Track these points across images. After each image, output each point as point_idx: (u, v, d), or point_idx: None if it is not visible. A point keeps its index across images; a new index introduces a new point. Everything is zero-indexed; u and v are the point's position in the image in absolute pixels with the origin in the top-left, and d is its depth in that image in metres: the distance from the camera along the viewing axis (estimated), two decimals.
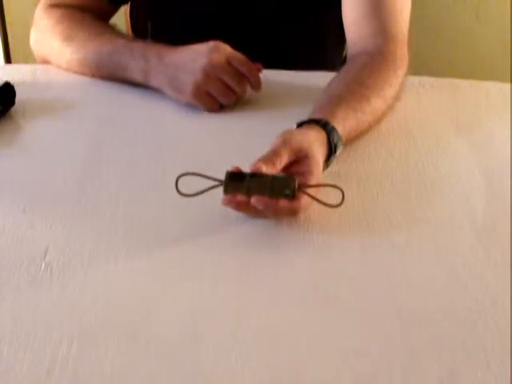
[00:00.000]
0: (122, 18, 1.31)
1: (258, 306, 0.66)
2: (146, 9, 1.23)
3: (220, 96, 0.97)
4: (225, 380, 0.58)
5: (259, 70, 0.99)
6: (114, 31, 1.09)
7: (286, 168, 0.77)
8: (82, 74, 1.08)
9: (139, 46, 1.01)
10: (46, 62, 1.12)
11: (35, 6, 1.16)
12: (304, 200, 0.74)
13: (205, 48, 0.96)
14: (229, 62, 0.95)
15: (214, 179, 0.74)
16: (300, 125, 0.86)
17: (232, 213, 0.75)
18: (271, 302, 0.66)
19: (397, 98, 0.98)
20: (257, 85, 0.99)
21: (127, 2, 1.25)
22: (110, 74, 1.04)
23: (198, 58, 0.95)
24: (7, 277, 0.68)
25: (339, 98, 0.91)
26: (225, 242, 0.74)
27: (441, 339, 0.62)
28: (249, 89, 1.00)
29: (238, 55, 0.96)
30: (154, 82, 1.00)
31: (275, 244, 0.74)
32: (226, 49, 0.96)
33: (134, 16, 1.30)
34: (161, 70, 0.98)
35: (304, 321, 0.64)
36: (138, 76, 1.01)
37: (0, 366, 0.58)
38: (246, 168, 0.74)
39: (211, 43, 0.96)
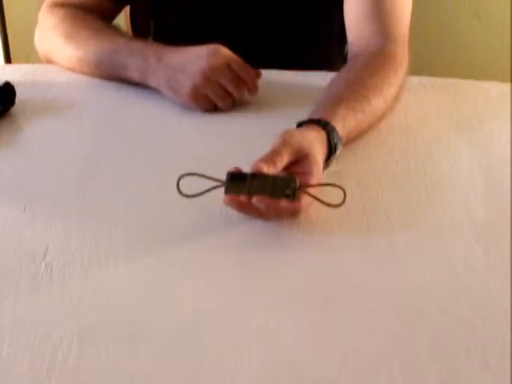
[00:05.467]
0: (122, 18, 1.31)
1: (258, 306, 0.66)
2: (147, 8, 1.23)
3: (217, 99, 0.97)
4: (225, 380, 0.58)
5: (258, 76, 0.99)
6: (115, 30, 1.09)
7: (287, 168, 0.77)
8: (83, 72, 1.08)
9: (138, 46, 1.01)
10: (48, 59, 1.13)
11: (35, 5, 1.16)
12: (305, 200, 0.74)
13: (204, 51, 0.96)
14: (228, 66, 0.95)
15: (215, 180, 0.74)
16: (300, 125, 0.86)
17: (233, 213, 0.75)
18: (271, 302, 0.66)
19: (397, 97, 0.98)
20: (254, 89, 0.99)
21: (130, 3, 1.25)
22: (110, 73, 1.04)
23: (197, 60, 0.95)
24: (7, 277, 0.68)
25: (339, 98, 0.91)
26: (225, 242, 0.74)
27: (441, 339, 0.62)
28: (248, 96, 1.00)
29: (237, 59, 0.96)
30: (152, 82, 1.00)
31: (275, 244, 0.74)
32: (225, 52, 0.96)
33: (134, 16, 1.30)
34: (159, 70, 0.98)
35: (304, 321, 0.64)
36: (136, 75, 1.01)
37: (0, 366, 0.58)
38: (246, 168, 0.74)
39: (211, 46, 0.96)
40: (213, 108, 0.98)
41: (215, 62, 0.94)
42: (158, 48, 1.00)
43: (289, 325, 0.64)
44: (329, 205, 0.75)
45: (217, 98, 0.97)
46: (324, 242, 0.74)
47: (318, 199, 0.75)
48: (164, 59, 0.98)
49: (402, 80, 0.99)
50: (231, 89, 0.96)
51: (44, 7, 1.14)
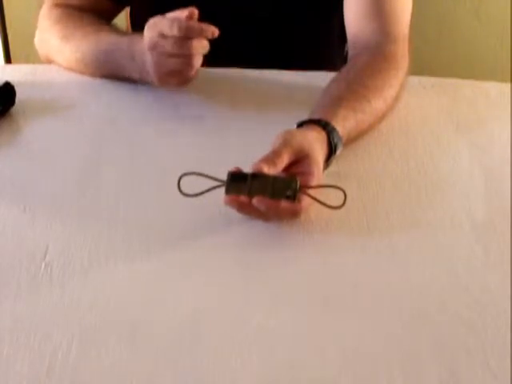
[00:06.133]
0: (122, 18, 1.31)
1: (258, 306, 0.66)
2: (147, 8, 1.23)
3: (181, 67, 0.92)
4: (225, 380, 0.58)
5: (193, 15, 0.90)
6: (110, 29, 1.08)
7: (287, 168, 0.77)
8: (82, 73, 1.08)
9: (128, 44, 0.99)
10: (49, 60, 1.13)
11: (35, 5, 1.16)
12: (305, 201, 0.74)
13: (144, 31, 0.92)
14: (161, 33, 0.90)
15: (216, 179, 0.74)
16: (300, 125, 0.86)
17: (233, 213, 0.75)
18: (271, 302, 0.67)
19: (397, 98, 0.98)
20: (207, 31, 0.89)
21: (129, 3, 1.25)
22: (110, 73, 1.04)
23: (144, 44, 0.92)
24: (7, 277, 0.68)
25: (339, 99, 0.91)
26: (225, 242, 0.74)
27: (441, 339, 0.62)
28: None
29: (165, 21, 0.90)
30: (148, 79, 0.99)
31: (275, 244, 0.74)
32: (157, 22, 0.91)
33: (134, 16, 1.30)
34: (138, 65, 0.97)
35: (304, 321, 0.64)
36: (135, 75, 1.00)
37: (0, 366, 0.58)
38: (247, 168, 0.75)
39: (148, 23, 0.92)
40: (184, 79, 0.94)
41: (150, 39, 0.91)
42: (138, 43, 0.97)
43: (289, 325, 0.64)
44: (329, 206, 0.75)
45: (178, 66, 0.92)
46: (324, 242, 0.74)
47: (319, 201, 0.75)
48: (139, 54, 0.96)
49: (402, 81, 0.99)
50: (181, 50, 0.90)
51: (43, 8, 1.14)
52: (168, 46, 0.90)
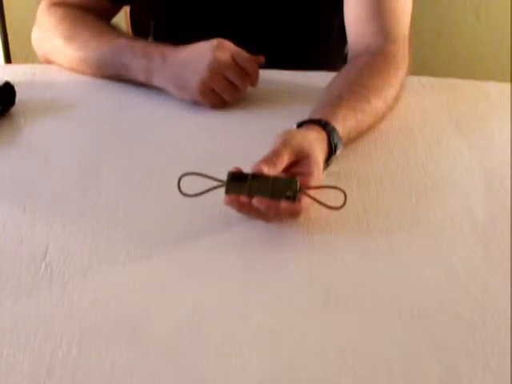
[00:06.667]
0: (122, 18, 1.31)
1: (258, 306, 0.66)
2: (147, 8, 1.23)
3: (224, 93, 0.97)
4: (225, 380, 0.58)
5: (261, 63, 0.99)
6: (115, 30, 1.09)
7: (287, 168, 0.77)
8: (83, 73, 1.08)
9: (141, 46, 1.02)
10: (47, 60, 1.12)
11: (35, 5, 1.16)
12: (305, 201, 0.74)
13: (209, 45, 0.96)
14: (233, 59, 0.96)
15: (216, 179, 0.74)
16: (300, 125, 0.86)
17: (232, 213, 0.75)
18: (271, 302, 0.66)
19: (397, 98, 0.98)
20: (256, 81, 1.00)
21: (129, 3, 1.25)
22: (112, 74, 1.04)
23: (202, 55, 0.95)
24: (7, 277, 0.68)
25: (339, 99, 0.91)
26: (225, 242, 0.74)
27: (441, 339, 0.62)
28: (249, 87, 1.00)
29: (242, 52, 0.97)
30: (156, 82, 1.00)
31: (275, 244, 0.74)
32: (229, 46, 0.96)
33: (134, 16, 1.30)
34: (164, 69, 0.98)
35: (304, 321, 0.64)
36: (140, 75, 1.01)
37: (0, 366, 0.58)
38: (247, 168, 0.74)
39: (215, 41, 0.96)
40: (220, 103, 0.98)
41: (220, 56, 0.95)
42: (162, 48, 1.00)
43: (289, 325, 0.64)
44: (329, 207, 0.74)
45: (224, 91, 0.97)
46: (324, 242, 0.74)
47: (319, 202, 0.75)
48: (169, 58, 0.98)
49: (402, 80, 0.99)
50: (237, 82, 0.97)
51: (42, 7, 1.14)
52: (231, 71, 0.96)
